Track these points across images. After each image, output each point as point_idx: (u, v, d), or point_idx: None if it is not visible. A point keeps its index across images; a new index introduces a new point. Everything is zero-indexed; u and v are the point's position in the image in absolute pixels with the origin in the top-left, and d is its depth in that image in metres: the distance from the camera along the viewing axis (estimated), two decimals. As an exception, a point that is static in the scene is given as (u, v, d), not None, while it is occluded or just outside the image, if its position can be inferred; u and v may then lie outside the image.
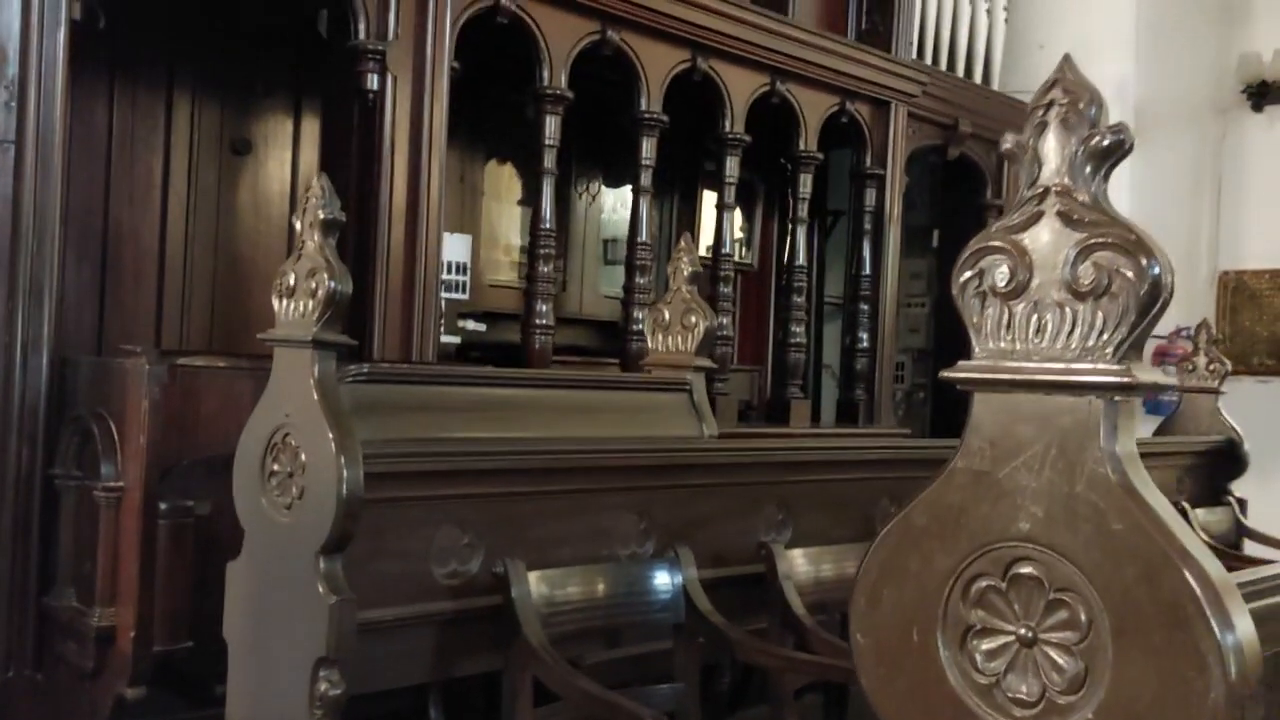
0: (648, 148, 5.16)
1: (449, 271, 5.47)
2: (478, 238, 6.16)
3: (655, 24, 5.05)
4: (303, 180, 5.24)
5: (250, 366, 3.28)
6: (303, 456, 2.45)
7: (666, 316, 3.40)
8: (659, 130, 5.19)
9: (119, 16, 4.24)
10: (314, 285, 2.52)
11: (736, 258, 7.21)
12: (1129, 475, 1.32)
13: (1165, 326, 7.66)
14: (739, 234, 7.43)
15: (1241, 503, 5.07)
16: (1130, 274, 1.36)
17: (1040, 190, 1.45)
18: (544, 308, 4.80)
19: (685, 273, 3.38)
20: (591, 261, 6.89)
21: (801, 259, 6.09)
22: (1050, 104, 1.44)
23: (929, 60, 6.62)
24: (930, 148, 6.78)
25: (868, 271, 6.34)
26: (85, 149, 4.52)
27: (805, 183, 6.00)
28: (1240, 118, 7.49)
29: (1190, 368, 5.27)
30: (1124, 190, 7.71)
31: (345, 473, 2.36)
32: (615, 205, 6.81)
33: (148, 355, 3.09)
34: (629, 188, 5.53)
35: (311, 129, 5.21)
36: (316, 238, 2.54)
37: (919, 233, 7.99)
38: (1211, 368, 5.18)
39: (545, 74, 4.74)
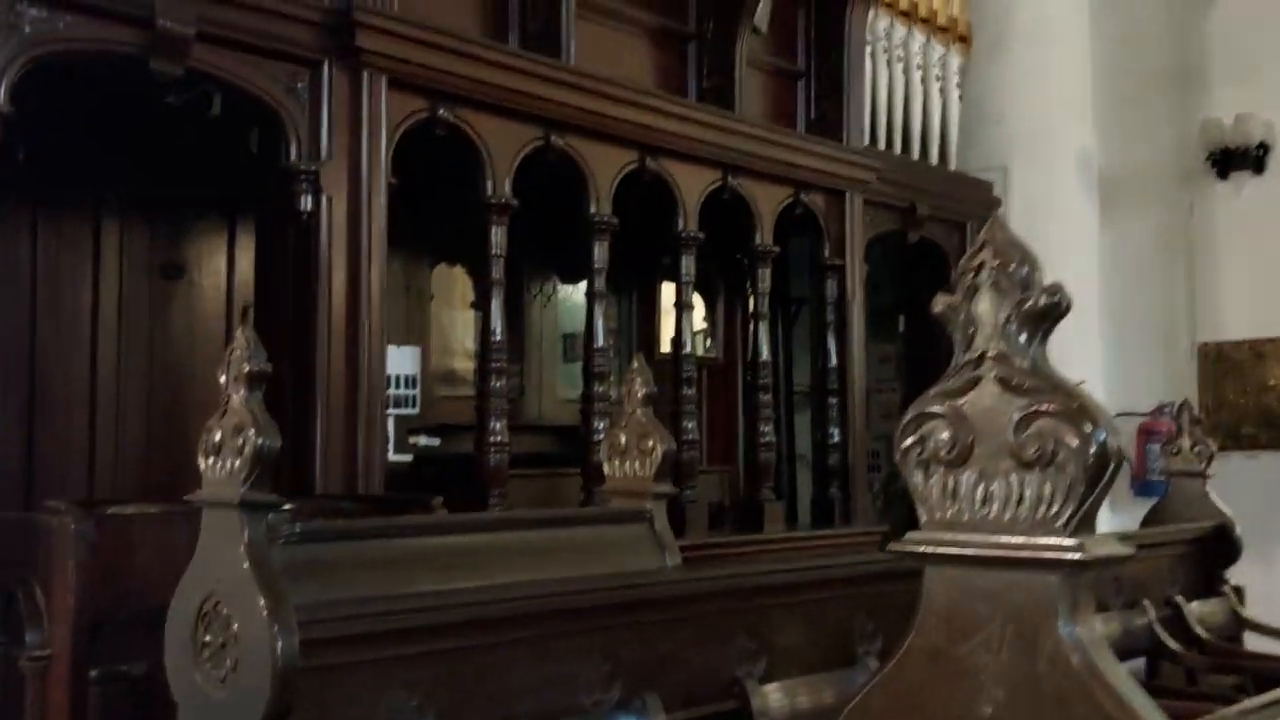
0: (600, 252, 5.21)
1: (396, 386, 5.47)
2: (427, 347, 6.17)
3: (600, 128, 5.13)
4: (239, 302, 5.24)
5: (187, 510, 3.23)
6: (235, 626, 2.39)
7: (623, 441, 3.39)
8: (610, 233, 5.24)
9: (40, 144, 4.25)
10: (241, 442, 2.49)
11: (700, 351, 7.30)
12: (1092, 657, 1.31)
13: (1148, 401, 7.74)
14: (701, 325, 7.49)
15: (1239, 591, 5.04)
16: (1074, 443, 1.37)
17: (976, 355, 1.46)
18: (497, 424, 4.79)
19: (639, 395, 3.38)
20: (550, 363, 6.90)
21: (765, 354, 6.13)
22: (980, 266, 1.46)
23: (882, 144, 6.75)
24: (890, 233, 6.89)
25: (834, 364, 6.39)
26: (8, 283, 4.51)
27: (764, 277, 6.06)
28: (1207, 185, 7.67)
29: (1175, 450, 5.28)
30: (1094, 265, 7.85)
31: (280, 643, 2.31)
32: (573, 299, 6.85)
33: (73, 513, 3.04)
34: (584, 282, 5.57)
35: (247, 248, 5.22)
36: (242, 392, 2.52)
37: (885, 315, 8.07)
38: (1197, 450, 5.18)
39: (489, 184, 4.79)
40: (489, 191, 4.79)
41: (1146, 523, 5.21)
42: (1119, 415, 7.74)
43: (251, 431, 2.47)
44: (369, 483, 4.40)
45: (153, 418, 4.88)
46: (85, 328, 4.76)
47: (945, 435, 1.48)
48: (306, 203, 4.27)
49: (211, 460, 2.54)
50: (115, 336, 4.84)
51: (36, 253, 4.62)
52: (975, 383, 1.47)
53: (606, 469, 3.44)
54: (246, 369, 2.53)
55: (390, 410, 5.27)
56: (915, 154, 7.03)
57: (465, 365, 6.38)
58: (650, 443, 3.34)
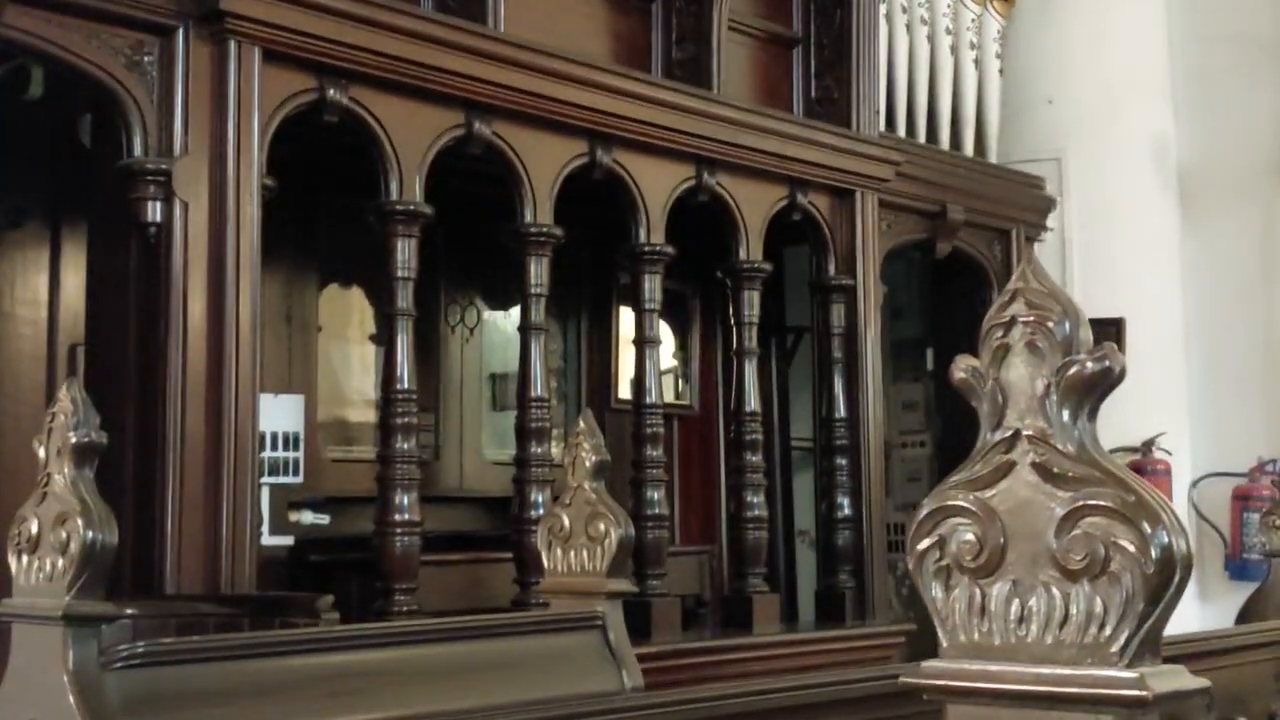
0: (537, 272, 5.25)
1: (272, 447, 5.45)
2: (313, 395, 6.15)
3: (538, 111, 5.19)
4: (64, 340, 5.22)
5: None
6: (55, 780, 2.40)
7: (566, 524, 3.42)
8: (551, 247, 5.29)
9: None
10: (65, 536, 2.50)
11: (671, 397, 7.33)
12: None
13: (1244, 458, 7.84)
14: (671, 363, 7.53)
15: (1361, 703, 5.12)
16: (1131, 547, 1.41)
17: (1009, 434, 1.50)
18: (405, 498, 4.80)
19: (589, 464, 3.41)
20: (473, 413, 6.90)
21: (753, 401, 6.17)
22: (1011, 322, 1.50)
23: (902, 131, 6.85)
24: (914, 243, 6.98)
25: (842, 414, 6.44)
26: None
27: (751, 301, 6.13)
28: (1318, 181, 7.83)
29: (1277, 523, 5.38)
30: (1175, 282, 7.97)
31: (114, 802, 2.31)
32: (502, 330, 6.87)
33: None
34: (518, 308, 5.60)
35: (75, 269, 5.20)
36: (68, 470, 2.53)
37: (910, 349, 8.16)
38: (1307, 521, 5.28)
39: (394, 185, 4.83)
40: (393, 195, 4.82)
41: (1244, 615, 5.28)
42: (1207, 477, 7.87)
43: (80, 523, 2.49)
44: (236, 576, 4.39)
45: (-52, 493, 4.83)
46: None
47: (970, 537, 1.51)
48: (155, 211, 4.28)
49: (25, 559, 2.55)
50: (-102, 386, 4.80)
51: None
52: (1007, 470, 1.50)
53: (546, 560, 3.47)
54: (73, 440, 2.54)
55: (264, 479, 5.25)
56: (945, 143, 7.13)
57: (363, 417, 6.36)
58: (602, 527, 3.37)
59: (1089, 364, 1.48)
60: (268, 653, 2.91)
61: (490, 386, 6.99)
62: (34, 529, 2.55)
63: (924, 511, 1.57)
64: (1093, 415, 1.49)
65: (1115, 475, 1.44)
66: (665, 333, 7.39)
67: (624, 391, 6.92)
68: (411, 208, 4.83)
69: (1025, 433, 1.50)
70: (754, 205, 6.10)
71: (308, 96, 4.61)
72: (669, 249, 5.71)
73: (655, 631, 5.52)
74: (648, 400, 5.76)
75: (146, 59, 4.27)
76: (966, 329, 7.66)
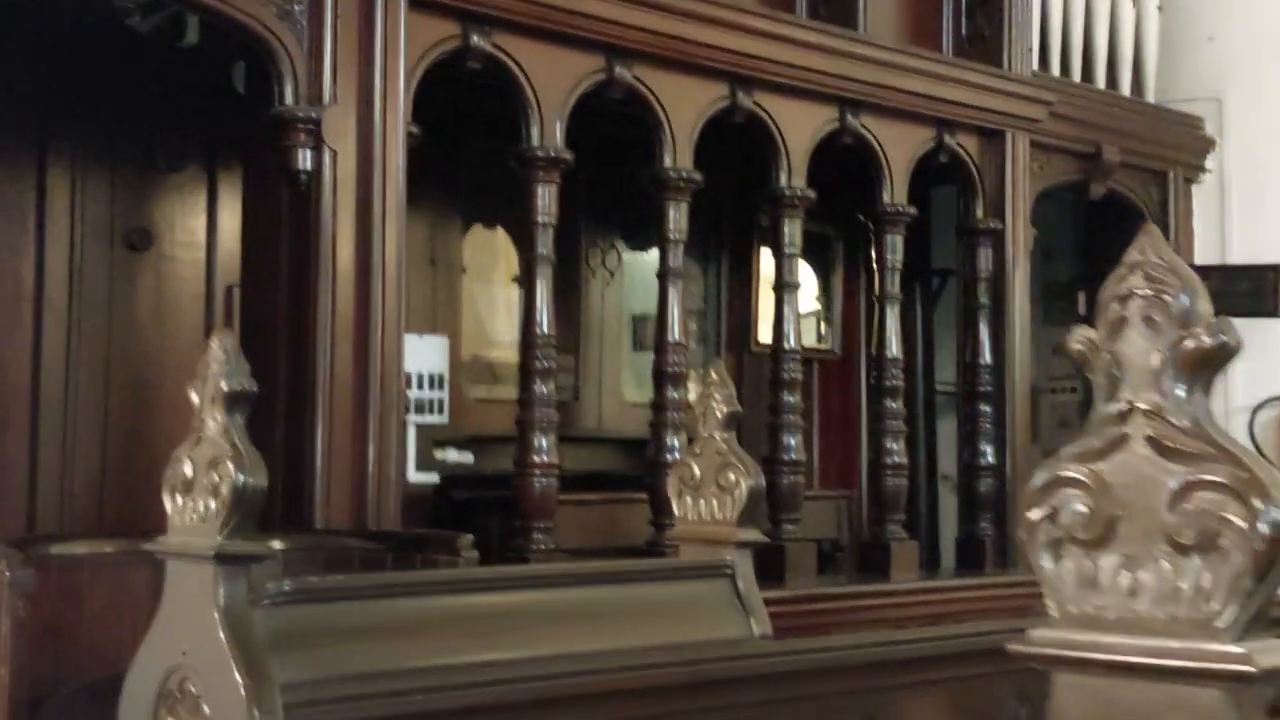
0: (675, 217, 5.30)
1: (418, 387, 5.60)
2: (457, 336, 6.31)
3: (677, 53, 5.21)
4: (221, 280, 5.43)
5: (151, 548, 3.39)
6: (206, 709, 2.54)
7: (696, 474, 3.47)
8: (690, 192, 5.32)
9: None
10: (217, 479, 2.63)
11: (813, 341, 7.35)
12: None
13: None
14: (813, 307, 7.53)
15: None
16: (1242, 523, 1.42)
17: (1123, 406, 1.51)
18: (544, 440, 4.91)
19: (720, 414, 3.46)
20: (613, 355, 7.01)
21: (895, 348, 6.16)
22: (1128, 295, 1.51)
23: (1056, 70, 6.72)
24: (1066, 185, 6.86)
25: (987, 360, 6.39)
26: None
27: (895, 245, 6.10)
28: None
29: None
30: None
31: (262, 731, 2.44)
32: (643, 271, 6.93)
33: (5, 556, 3.21)
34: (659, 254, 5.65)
35: (231, 212, 5.40)
36: (219, 416, 2.65)
37: (1062, 293, 8.03)
38: None
39: (535, 131, 4.91)
40: (535, 141, 4.90)
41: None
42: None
43: (230, 466, 2.61)
44: (382, 512, 4.54)
45: (111, 428, 5.10)
46: (26, 313, 4.98)
47: (1083, 508, 1.53)
48: (305, 159, 4.41)
49: (180, 500, 2.69)
50: (64, 324, 5.06)
51: (-33, 222, 4.84)
52: (1121, 442, 1.51)
53: (676, 507, 3.53)
54: (224, 388, 2.67)
55: (411, 418, 5.41)
56: (1100, 82, 6.97)
57: (507, 358, 6.49)
58: (732, 476, 3.42)
59: (1206, 339, 1.48)
60: (409, 593, 3.03)
61: (631, 328, 7.07)
62: (188, 471, 2.67)
63: (1037, 482, 1.59)
64: (1207, 390, 1.50)
65: (1229, 451, 1.45)
66: (807, 276, 7.39)
67: (764, 335, 6.94)
68: (552, 153, 4.91)
69: (1140, 406, 1.51)
70: (899, 147, 6.06)
71: (452, 44, 4.70)
72: (810, 193, 5.71)
73: (789, 576, 5.58)
74: (786, 345, 5.79)
75: (296, 8, 4.38)
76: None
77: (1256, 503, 1.42)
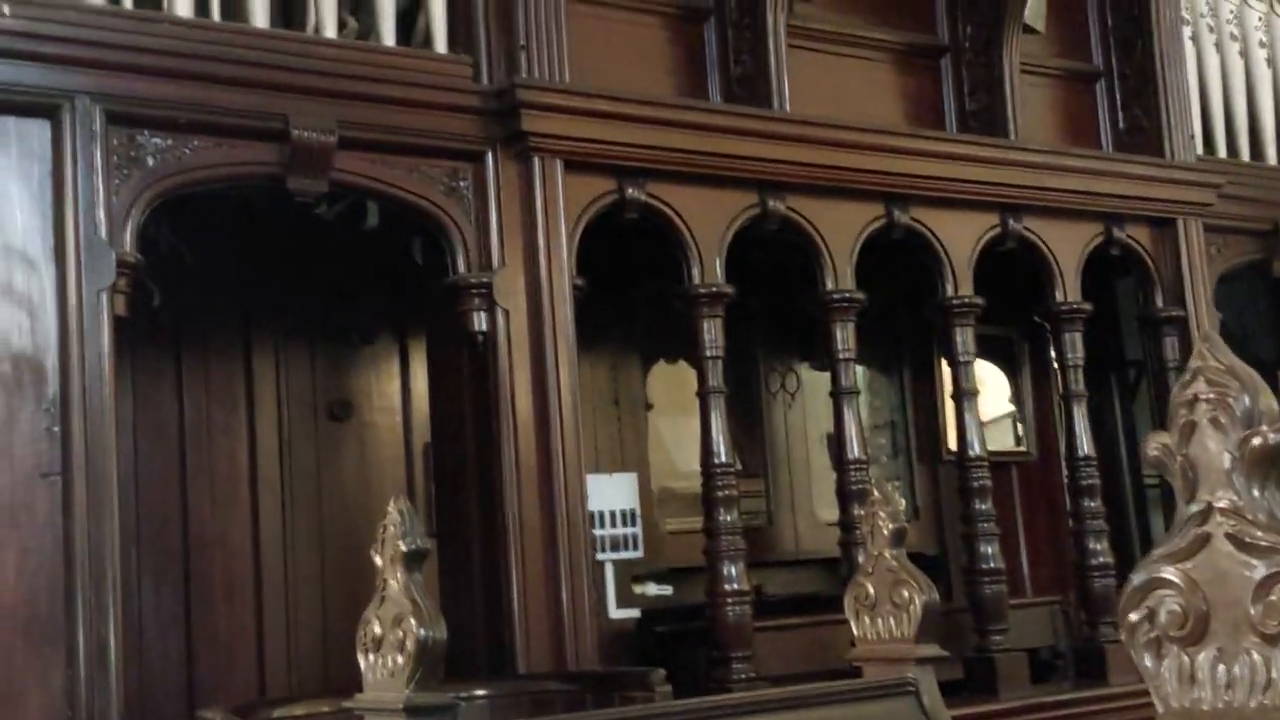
0: (843, 336, 5.39)
1: (609, 524, 5.74)
2: (646, 471, 6.45)
3: (829, 180, 5.36)
4: (419, 438, 5.71)
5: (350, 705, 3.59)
6: None
7: (871, 593, 3.54)
8: (855, 310, 5.42)
9: (179, 283, 4.86)
10: (401, 635, 2.82)
11: (1010, 445, 7.27)
12: None
13: None
14: (1006, 408, 7.48)
15: None
16: (1324, 613, 1.47)
17: (1202, 507, 1.58)
18: (732, 569, 5.01)
19: (887, 531, 3.53)
20: (802, 475, 7.04)
21: (1086, 446, 6.10)
22: (1194, 400, 1.58)
23: (1222, 151, 6.64)
24: (1247, 265, 6.73)
25: (1184, 449, 6.26)
26: (153, 449, 5.12)
27: (1073, 343, 6.08)
28: None
29: None
30: None
31: None
32: (825, 390, 6.97)
33: (226, 722, 3.46)
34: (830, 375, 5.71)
35: (422, 374, 5.70)
36: (399, 575, 2.86)
37: (1263, 373, 7.80)
38: None
39: (695, 270, 5.09)
40: (696, 279, 5.09)
41: None
42: None
43: (412, 622, 2.81)
44: (580, 651, 4.68)
45: (328, 591, 5.38)
46: (243, 489, 5.33)
47: (1176, 607, 1.59)
48: (480, 320, 4.69)
49: (371, 657, 2.90)
50: (278, 497, 5.38)
51: (183, 409, 5.24)
52: (1204, 542, 1.58)
53: (855, 627, 3.60)
54: (403, 548, 2.88)
55: (607, 555, 5.56)
56: (1271, 158, 6.86)
57: (698, 488, 6.61)
58: (906, 593, 3.48)
59: (1271, 436, 1.54)
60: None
61: (819, 447, 7.11)
62: (376, 629, 2.88)
63: (1133, 584, 1.66)
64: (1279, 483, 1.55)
65: (1305, 542, 1.51)
66: (996, 378, 7.36)
67: (954, 443, 6.92)
68: (714, 289, 5.09)
69: (1217, 506, 1.57)
70: (1066, 245, 6.06)
71: (608, 198, 4.95)
72: (978, 300, 5.74)
73: (1002, 688, 5.50)
74: (972, 453, 5.78)
75: (462, 184, 4.70)
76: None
77: (1335, 592, 1.47)
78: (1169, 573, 1.61)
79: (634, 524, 5.93)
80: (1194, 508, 1.60)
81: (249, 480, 5.37)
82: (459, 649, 3.68)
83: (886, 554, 3.51)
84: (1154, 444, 1.63)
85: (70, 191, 3.94)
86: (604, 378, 6.24)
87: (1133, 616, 1.64)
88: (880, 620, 3.53)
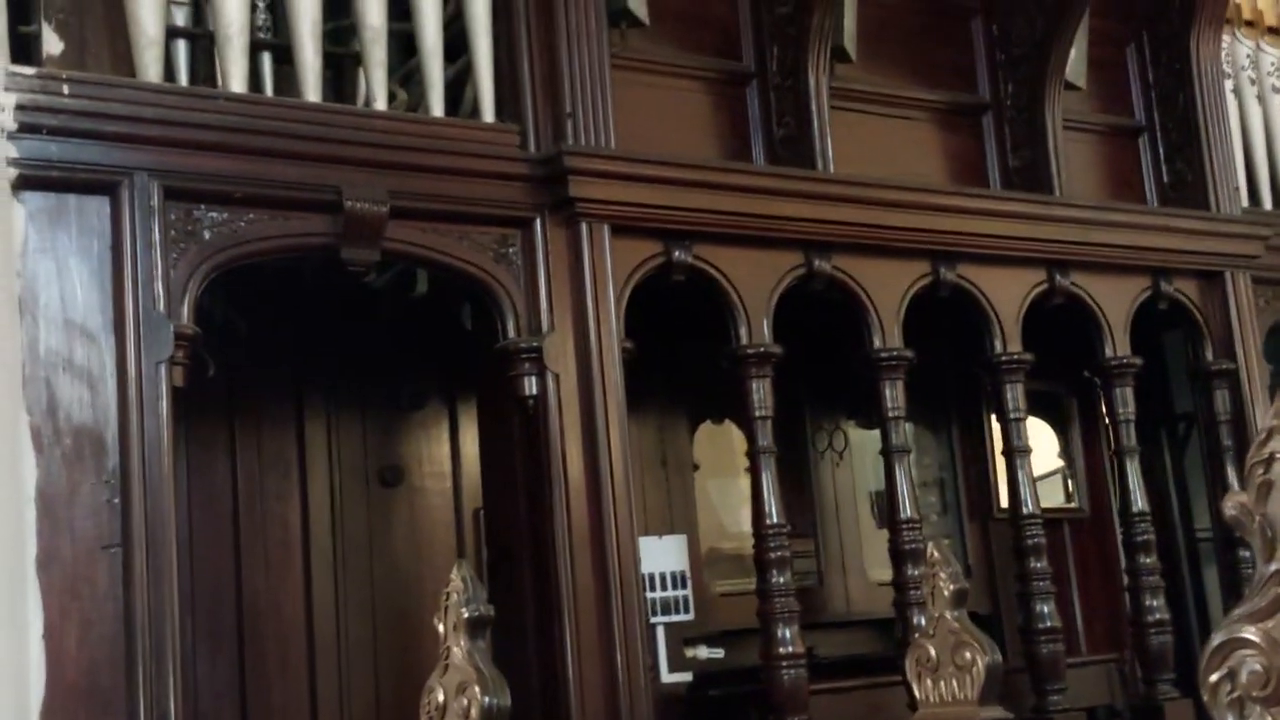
0: (892, 394, 5.40)
1: (660, 587, 5.74)
2: (695, 533, 6.45)
3: (874, 239, 5.38)
4: (469, 503, 5.74)
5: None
6: None
7: (932, 655, 3.54)
8: (904, 369, 5.43)
9: (232, 352, 4.93)
10: (466, 702, 2.84)
11: (1061, 501, 7.24)
12: None
13: None
14: (1057, 464, 7.45)
15: None
16: (1403, 671, 1.47)
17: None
18: (786, 631, 4.99)
19: (947, 593, 3.53)
20: (851, 535, 7.01)
21: (1140, 502, 6.07)
22: (1270, 459, 1.59)
23: (1268, 203, 6.64)
24: (1296, 316, 6.71)
25: (1239, 503, 6.22)
26: (207, 517, 5.18)
27: (1124, 398, 6.06)
28: None
29: None
30: None
31: None
32: (874, 449, 6.97)
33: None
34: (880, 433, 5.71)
35: (472, 439, 5.74)
36: (463, 642, 2.88)
37: (1318, 424, 7.74)
38: None
39: (742, 330, 5.12)
40: (744, 340, 5.11)
41: None
42: None
43: (477, 690, 2.83)
44: (636, 716, 4.66)
45: (381, 658, 5.40)
46: (296, 556, 5.37)
47: (1257, 667, 1.60)
48: (530, 385, 4.72)
49: (435, 724, 2.91)
50: (330, 563, 5.42)
51: (236, 477, 5.30)
52: (1284, 601, 1.59)
53: (917, 690, 3.59)
54: (465, 615, 2.91)
55: (659, 618, 5.55)
56: (1318, 206, 6.86)
57: (747, 549, 6.58)
58: (968, 655, 3.47)
59: (1347, 493, 1.55)
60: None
61: (871, 505, 7.09)
62: (440, 698, 2.90)
63: (1213, 645, 1.66)
64: (1358, 541, 1.56)
65: (1384, 601, 1.51)
66: (1046, 434, 7.33)
67: (1006, 500, 6.89)
68: (762, 349, 5.10)
69: (1297, 564, 1.58)
70: (1114, 300, 6.06)
71: (655, 261, 4.99)
72: (1027, 356, 5.74)
73: (1064, 750, 5.46)
74: (1025, 510, 5.76)
75: (510, 250, 4.74)
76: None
77: None
78: (1249, 633, 1.61)
79: (685, 586, 5.93)
80: (1273, 566, 1.60)
81: (301, 546, 5.41)
82: (515, 715, 3.69)
83: (948, 615, 3.51)
84: (1232, 503, 1.64)
85: (129, 266, 4.01)
86: (651, 439, 6.27)
87: (1213, 677, 1.64)
88: (943, 683, 3.52)
